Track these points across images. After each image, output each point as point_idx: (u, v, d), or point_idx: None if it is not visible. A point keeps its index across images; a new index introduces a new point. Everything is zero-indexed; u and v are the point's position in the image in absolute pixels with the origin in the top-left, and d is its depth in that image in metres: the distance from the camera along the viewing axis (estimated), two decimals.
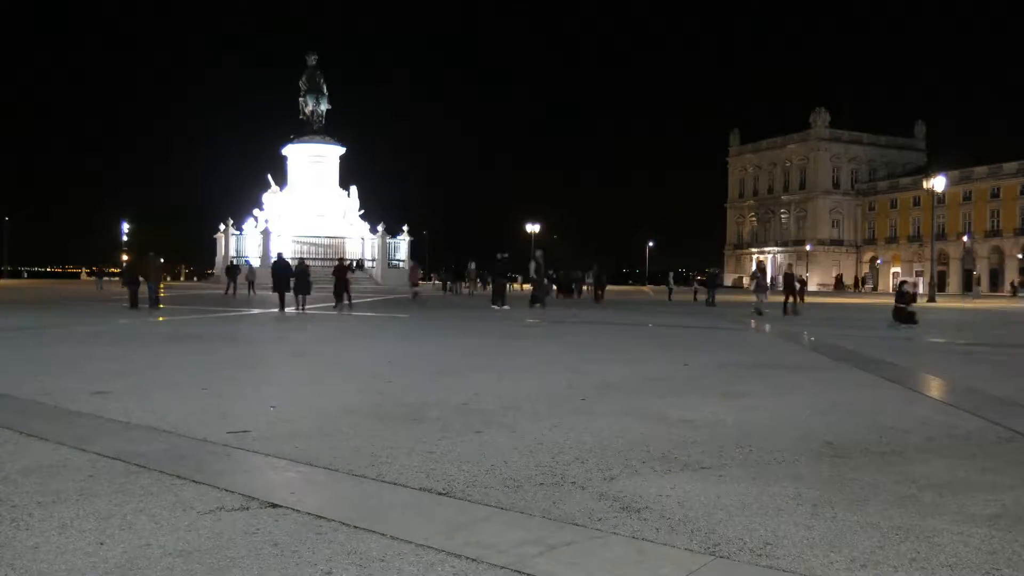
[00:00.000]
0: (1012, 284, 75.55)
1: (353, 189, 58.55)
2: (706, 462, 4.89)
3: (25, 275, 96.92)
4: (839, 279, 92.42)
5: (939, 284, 59.05)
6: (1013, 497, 4.20)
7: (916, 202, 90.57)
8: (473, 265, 49.22)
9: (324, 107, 59.83)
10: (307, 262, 55.47)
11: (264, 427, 5.75)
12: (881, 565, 3.21)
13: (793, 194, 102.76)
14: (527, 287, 35.45)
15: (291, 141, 59.70)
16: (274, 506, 3.84)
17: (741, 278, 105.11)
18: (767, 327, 19.35)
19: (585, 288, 39.98)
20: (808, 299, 39.15)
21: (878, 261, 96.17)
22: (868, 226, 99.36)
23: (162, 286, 27.53)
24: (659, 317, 23.36)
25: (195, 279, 78.02)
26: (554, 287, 37.77)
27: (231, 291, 37.71)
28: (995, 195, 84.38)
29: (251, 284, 38.51)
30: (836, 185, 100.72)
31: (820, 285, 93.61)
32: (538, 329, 17.51)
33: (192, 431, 5.56)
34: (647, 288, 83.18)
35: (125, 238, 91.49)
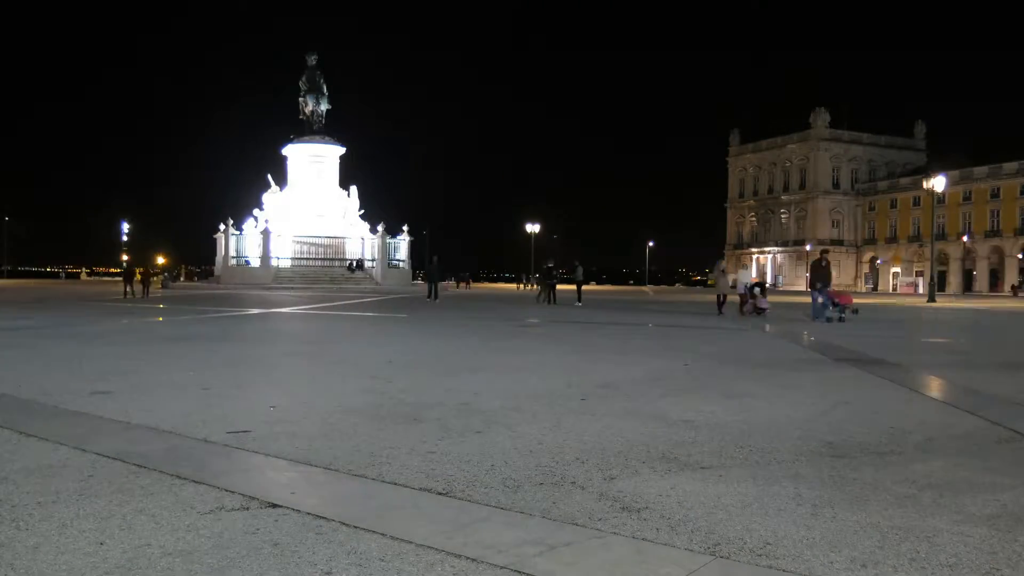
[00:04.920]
0: (1012, 286, 75.57)
1: (353, 189, 58.57)
2: (706, 462, 4.89)
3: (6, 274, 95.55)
4: None
5: (939, 284, 58.97)
6: (1013, 497, 4.20)
7: (916, 202, 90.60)
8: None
9: (324, 107, 59.84)
10: (305, 262, 55.58)
11: (264, 427, 5.75)
12: (881, 565, 3.21)
13: (793, 194, 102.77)
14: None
15: (291, 141, 59.71)
16: (274, 506, 3.83)
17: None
18: (767, 327, 19.34)
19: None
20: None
21: (878, 261, 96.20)
22: (868, 226, 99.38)
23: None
24: (659, 317, 23.36)
25: (195, 279, 77.97)
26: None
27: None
28: (995, 195, 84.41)
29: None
30: (836, 185, 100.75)
31: None
32: (538, 329, 17.51)
33: (192, 431, 5.56)
34: (647, 288, 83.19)
35: (125, 238, 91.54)
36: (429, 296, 32.78)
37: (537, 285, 53.69)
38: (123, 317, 19.97)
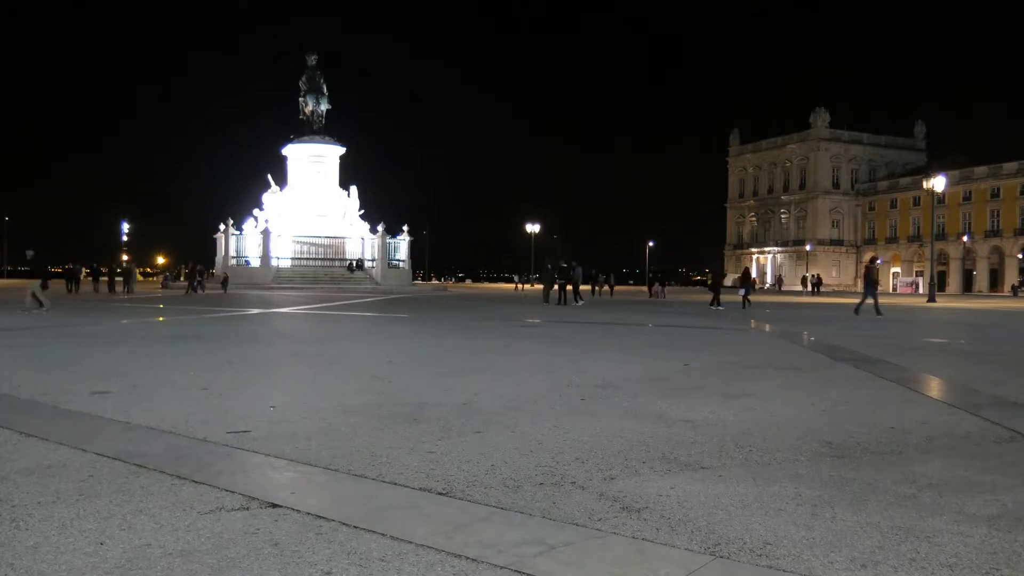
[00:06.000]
0: (1013, 286, 75.57)
1: (353, 189, 58.55)
2: (706, 462, 4.89)
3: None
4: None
5: (939, 284, 59.00)
6: (1013, 497, 4.20)
7: (916, 202, 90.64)
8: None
9: (324, 107, 59.83)
10: (305, 262, 55.48)
11: (264, 427, 5.75)
12: (881, 565, 3.21)
13: (793, 194, 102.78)
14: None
15: (291, 141, 59.70)
16: (274, 506, 3.84)
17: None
18: (767, 327, 19.36)
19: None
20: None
21: (878, 261, 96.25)
22: (868, 226, 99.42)
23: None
24: (659, 317, 23.37)
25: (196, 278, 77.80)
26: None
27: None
28: (995, 195, 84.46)
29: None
30: (836, 185, 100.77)
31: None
32: (538, 329, 17.51)
33: (192, 431, 5.56)
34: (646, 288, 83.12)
35: (125, 238, 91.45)
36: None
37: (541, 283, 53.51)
38: (123, 317, 19.96)
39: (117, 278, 41.51)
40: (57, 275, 68.69)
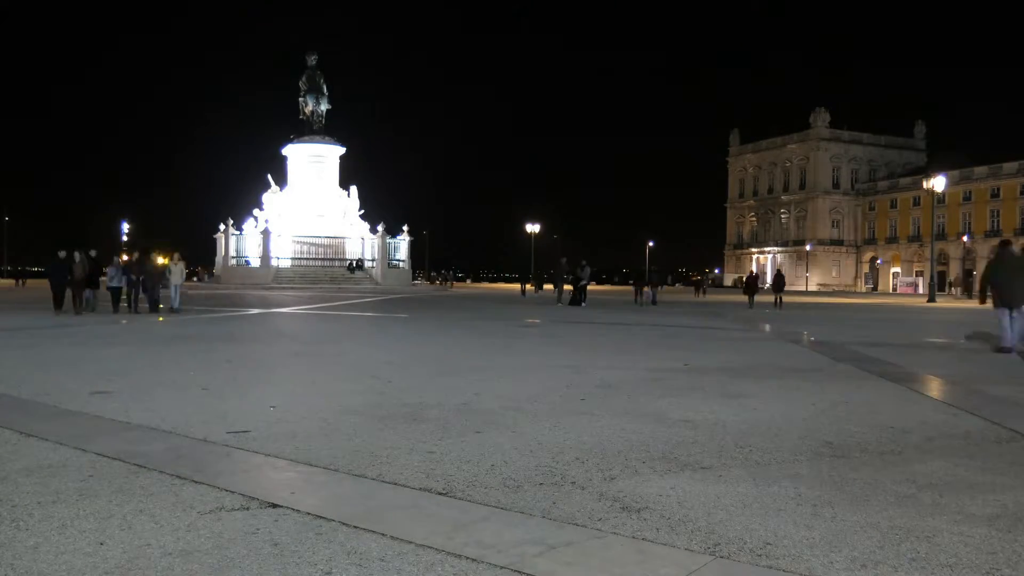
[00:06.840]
0: None
1: (353, 189, 58.52)
2: (706, 462, 4.89)
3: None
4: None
5: (939, 284, 59.08)
6: (1013, 497, 4.20)
7: (916, 202, 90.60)
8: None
9: (324, 107, 59.79)
10: (305, 262, 55.20)
11: (264, 427, 5.75)
12: (881, 565, 3.21)
13: (793, 194, 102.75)
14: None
15: (291, 141, 59.67)
16: (274, 506, 3.84)
17: (741, 278, 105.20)
18: (767, 327, 19.36)
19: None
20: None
21: (878, 261, 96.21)
22: (868, 226, 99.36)
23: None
24: (659, 317, 23.37)
25: (195, 279, 77.91)
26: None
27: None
28: (995, 195, 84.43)
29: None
30: (836, 185, 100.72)
31: (820, 285, 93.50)
32: (538, 329, 17.51)
33: (192, 431, 5.56)
34: (647, 288, 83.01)
35: (125, 238, 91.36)
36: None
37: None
38: (123, 317, 19.96)
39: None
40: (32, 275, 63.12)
